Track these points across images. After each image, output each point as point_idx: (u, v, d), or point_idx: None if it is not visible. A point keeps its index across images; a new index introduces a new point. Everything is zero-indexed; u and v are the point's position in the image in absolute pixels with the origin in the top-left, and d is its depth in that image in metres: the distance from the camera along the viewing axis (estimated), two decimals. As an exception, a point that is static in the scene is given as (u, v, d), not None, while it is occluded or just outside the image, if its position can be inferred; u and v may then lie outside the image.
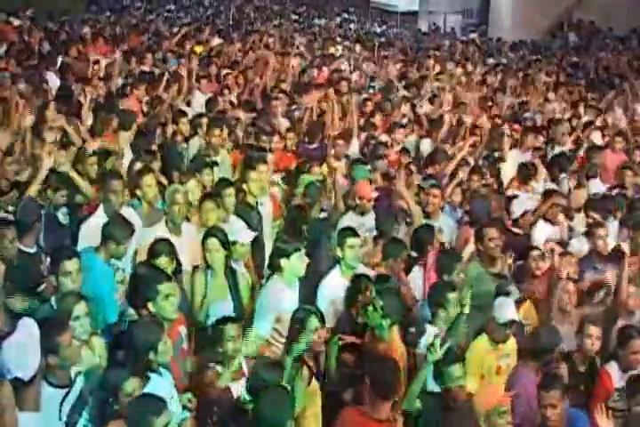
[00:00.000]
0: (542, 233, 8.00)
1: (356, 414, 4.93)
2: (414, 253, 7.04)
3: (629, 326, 6.22)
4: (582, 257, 7.46)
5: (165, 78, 11.26)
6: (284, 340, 5.57)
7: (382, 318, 5.56)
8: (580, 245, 7.70)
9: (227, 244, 6.26)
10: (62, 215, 7.00)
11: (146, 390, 4.63)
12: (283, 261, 6.05)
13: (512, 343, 6.02)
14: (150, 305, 5.30)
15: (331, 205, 8.11)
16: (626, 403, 5.54)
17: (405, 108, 11.93)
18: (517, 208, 8.30)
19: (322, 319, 5.42)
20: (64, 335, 4.54)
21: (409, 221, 7.69)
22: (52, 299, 5.38)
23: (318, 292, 6.29)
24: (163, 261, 5.88)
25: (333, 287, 6.27)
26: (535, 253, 7.16)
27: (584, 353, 6.06)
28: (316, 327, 5.32)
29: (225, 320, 5.26)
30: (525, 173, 9.16)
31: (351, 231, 6.55)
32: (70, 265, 5.46)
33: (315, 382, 5.25)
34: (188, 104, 11.56)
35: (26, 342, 4.19)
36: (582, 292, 6.90)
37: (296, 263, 6.06)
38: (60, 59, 13.52)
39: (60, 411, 4.46)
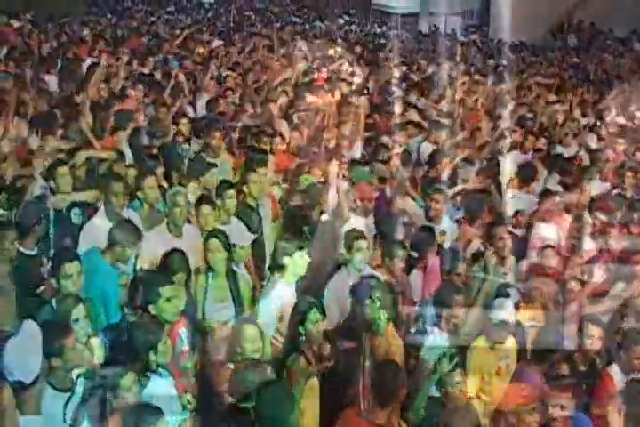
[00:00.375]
0: (543, 233, 8.00)
1: (357, 418, 4.91)
2: (415, 254, 7.03)
3: (634, 329, 6.18)
4: (593, 256, 7.47)
5: (171, 85, 11.26)
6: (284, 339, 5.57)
7: (380, 310, 5.57)
8: (585, 245, 7.70)
9: (228, 245, 6.26)
10: (74, 215, 6.97)
11: (145, 390, 4.64)
12: (286, 260, 6.06)
13: (511, 344, 6.01)
14: (151, 308, 5.28)
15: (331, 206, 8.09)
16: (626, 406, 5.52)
17: (399, 109, 11.91)
18: (510, 208, 8.31)
19: (323, 312, 5.43)
20: (69, 338, 4.56)
21: (408, 222, 7.68)
22: (53, 301, 5.38)
23: (325, 293, 6.28)
24: (179, 276, 5.84)
25: (340, 289, 6.26)
26: (546, 251, 7.16)
27: (584, 353, 6.04)
28: (317, 319, 5.33)
29: (243, 321, 5.28)
30: (527, 175, 9.16)
31: (358, 233, 6.55)
32: (71, 267, 5.46)
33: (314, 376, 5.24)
34: (191, 104, 11.57)
35: (27, 345, 4.19)
36: (589, 291, 6.90)
37: (298, 262, 6.07)
38: (59, 61, 13.51)
39: (65, 414, 4.46)
